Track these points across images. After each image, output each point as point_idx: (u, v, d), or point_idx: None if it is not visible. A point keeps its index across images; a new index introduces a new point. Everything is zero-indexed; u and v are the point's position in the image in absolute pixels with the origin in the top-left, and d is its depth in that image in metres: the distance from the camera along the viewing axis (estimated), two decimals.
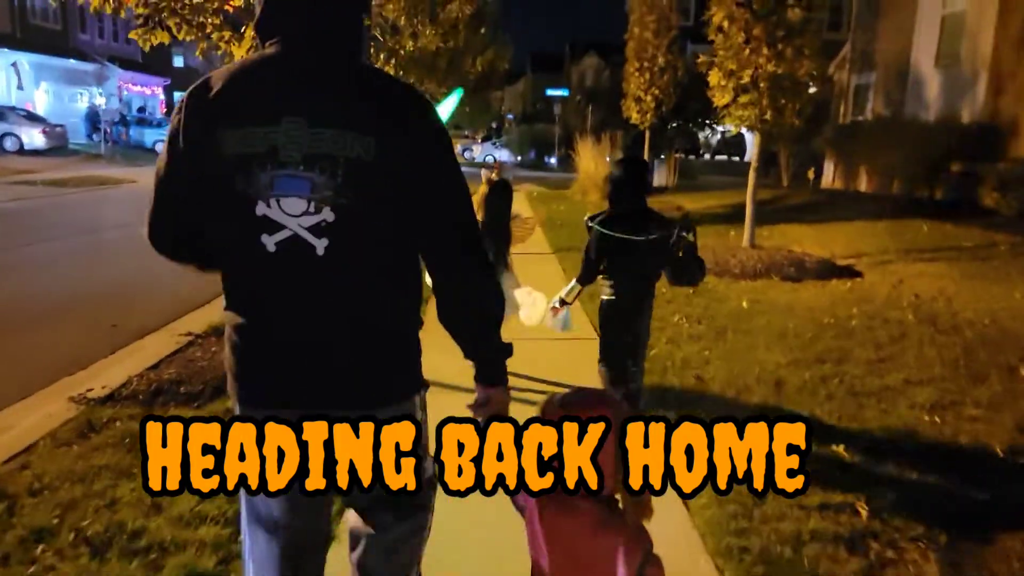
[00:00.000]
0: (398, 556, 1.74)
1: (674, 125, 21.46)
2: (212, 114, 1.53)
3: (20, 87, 29.97)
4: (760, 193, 17.63)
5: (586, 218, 3.90)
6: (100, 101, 35.90)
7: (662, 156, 25.49)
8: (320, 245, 1.49)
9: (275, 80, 1.54)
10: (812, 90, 8.75)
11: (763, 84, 8.29)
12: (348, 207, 1.49)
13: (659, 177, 22.18)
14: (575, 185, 19.62)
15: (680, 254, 3.78)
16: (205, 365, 4.71)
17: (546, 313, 4.22)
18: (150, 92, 42.96)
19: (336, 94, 1.53)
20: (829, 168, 19.76)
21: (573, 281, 3.99)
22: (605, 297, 3.86)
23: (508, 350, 1.70)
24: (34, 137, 24.90)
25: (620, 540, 1.44)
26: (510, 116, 63.96)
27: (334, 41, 1.57)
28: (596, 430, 1.40)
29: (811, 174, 21.25)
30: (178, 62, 48.75)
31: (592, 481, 1.41)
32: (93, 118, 30.98)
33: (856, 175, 17.56)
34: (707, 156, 39.81)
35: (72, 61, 33.53)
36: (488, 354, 1.69)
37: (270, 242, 1.50)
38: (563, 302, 4.10)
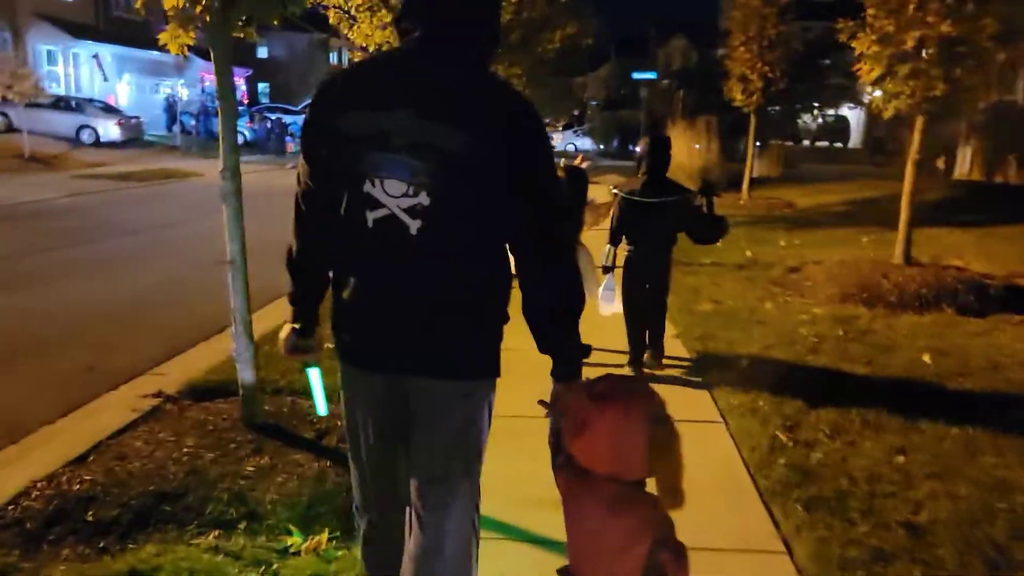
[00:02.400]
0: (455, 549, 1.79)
1: (775, 109, 19.10)
2: (339, 98, 1.70)
3: (105, 79, 29.96)
4: (878, 186, 15.40)
5: (612, 187, 4.58)
6: (182, 92, 36.02)
7: (758, 144, 23.14)
8: (413, 226, 1.62)
9: (396, 73, 1.68)
10: (1000, 56, 6.62)
11: (931, 50, 6.26)
12: (442, 194, 1.61)
13: (760, 166, 19.85)
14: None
15: (699, 213, 4.37)
16: (139, 468, 3.21)
17: (599, 299, 4.48)
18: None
19: (447, 91, 1.64)
20: (963, 156, 17.13)
21: (607, 245, 4.51)
22: (628, 255, 4.45)
23: (586, 350, 1.75)
24: (110, 129, 24.59)
25: (634, 522, 1.45)
26: (593, 103, 62.08)
27: (457, 44, 1.68)
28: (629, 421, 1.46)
29: (941, 163, 18.55)
30: (262, 53, 48.90)
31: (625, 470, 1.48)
32: (171, 109, 30.73)
33: (1003, 165, 14.98)
34: (806, 142, 36.74)
35: (154, 52, 33.34)
36: (566, 350, 1.73)
37: (370, 218, 1.65)
38: (605, 268, 4.51)
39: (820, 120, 36.22)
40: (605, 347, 4.61)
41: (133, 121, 26.27)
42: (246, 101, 42.67)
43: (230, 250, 3.60)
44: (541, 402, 1.73)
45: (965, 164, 16.90)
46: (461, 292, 1.68)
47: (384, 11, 9.78)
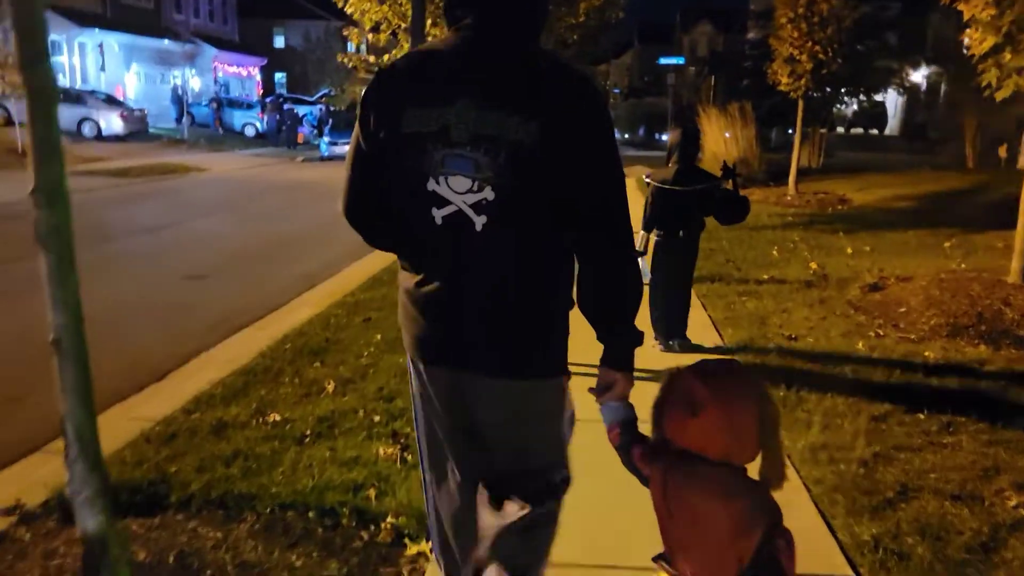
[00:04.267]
0: (532, 538, 1.77)
1: (818, 94, 17.51)
2: (395, 94, 1.64)
3: (102, 68, 28.95)
4: (936, 178, 13.86)
5: (645, 176, 4.88)
6: (194, 82, 35.03)
7: (790, 131, 21.59)
8: (479, 221, 1.59)
9: (452, 64, 1.62)
10: None
11: None
12: (508, 187, 1.56)
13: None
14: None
15: (724, 196, 4.66)
16: None
17: None
18: (246, 73, 41.89)
19: (506, 79, 1.59)
20: None
21: (641, 231, 4.66)
22: (657, 239, 4.71)
23: (640, 338, 1.71)
24: (112, 122, 23.57)
25: (749, 507, 1.40)
26: (616, 91, 60.82)
27: (513, 29, 1.64)
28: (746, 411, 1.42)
29: (1003, 151, 16.95)
30: (279, 43, 47.83)
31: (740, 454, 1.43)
32: (180, 101, 29.70)
33: None
34: (840, 129, 34.92)
35: (164, 41, 32.47)
36: (622, 339, 1.70)
37: (438, 215, 1.62)
38: (639, 253, 4.47)
39: (855, 106, 34.42)
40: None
41: (137, 113, 25.26)
42: (260, 92, 41.75)
43: (54, 324, 2.24)
44: (592, 390, 1.73)
45: None
46: (527, 287, 1.66)
47: None
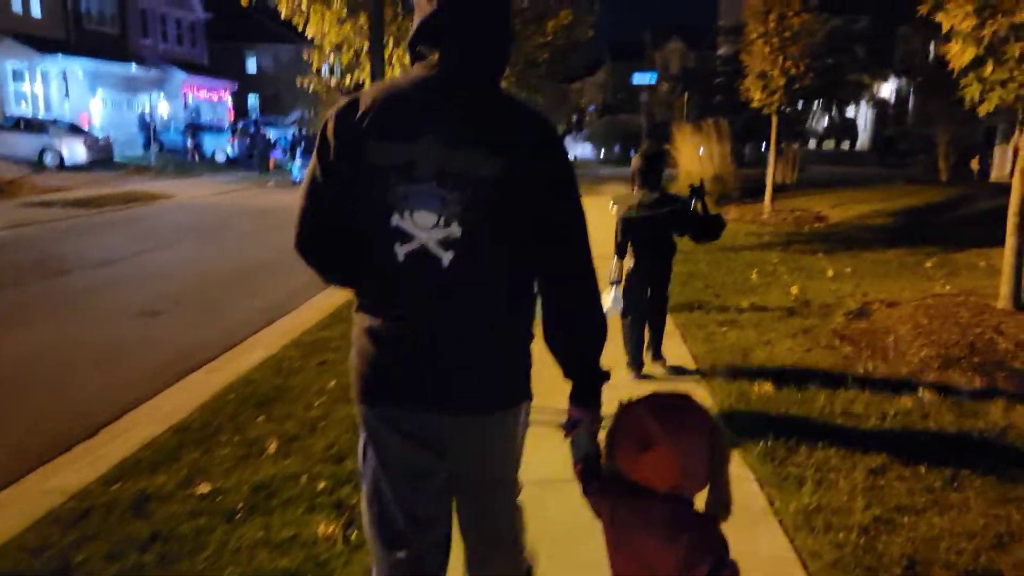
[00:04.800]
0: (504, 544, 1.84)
1: (790, 109, 17.38)
2: (359, 128, 1.60)
3: (67, 96, 28.33)
4: (913, 193, 13.69)
5: (611, 205, 4.81)
6: (162, 108, 34.45)
7: (763, 147, 21.48)
8: (446, 257, 1.58)
9: (419, 99, 1.61)
10: None
11: None
12: (474, 223, 1.56)
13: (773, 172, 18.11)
14: (672, 187, 15.90)
15: (695, 216, 4.64)
16: None
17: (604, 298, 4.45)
18: (217, 97, 41.35)
19: (473, 116, 1.59)
20: (1003, 156, 15.46)
21: (614, 260, 4.67)
22: (631, 266, 4.67)
23: (606, 375, 1.72)
24: (75, 150, 22.98)
25: (696, 541, 1.41)
26: (591, 108, 60.95)
27: (477, 66, 1.63)
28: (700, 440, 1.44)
29: (975, 164, 16.91)
30: (251, 66, 47.41)
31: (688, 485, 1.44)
32: (147, 127, 29.13)
33: None
34: (812, 143, 35.07)
35: (131, 67, 31.98)
36: (588, 376, 1.71)
37: (401, 251, 1.60)
38: (614, 282, 4.64)
39: (826, 120, 34.57)
40: None
41: (101, 141, 24.72)
42: (232, 116, 41.23)
43: None
44: (562, 425, 1.73)
45: (1003, 166, 15.21)
46: (495, 323, 1.65)
47: (339, 4, 8.24)
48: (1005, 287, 5.34)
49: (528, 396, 1.76)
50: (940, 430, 3.75)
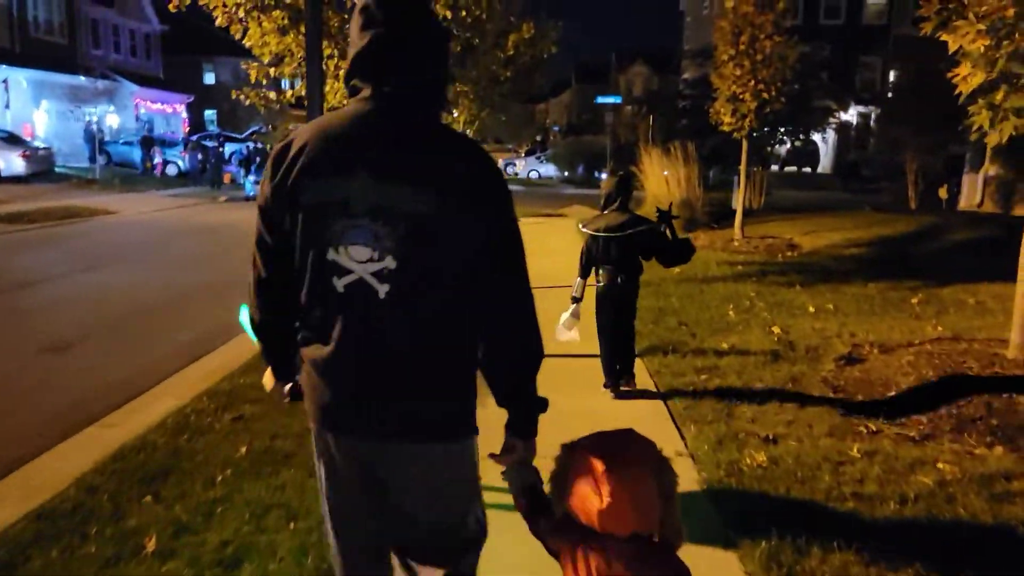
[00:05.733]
0: None
1: (757, 134, 17.00)
2: (296, 165, 1.62)
3: (7, 106, 27.01)
4: (884, 222, 13.30)
5: (580, 224, 4.89)
6: (111, 120, 33.19)
7: (728, 170, 21.14)
8: (382, 290, 1.59)
9: (352, 135, 1.63)
10: None
11: None
12: (408, 256, 1.58)
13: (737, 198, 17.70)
14: (640, 210, 15.34)
15: (663, 240, 4.67)
16: None
17: (561, 326, 4.79)
18: (171, 110, 40.14)
19: (404, 150, 1.60)
20: (971, 185, 15.27)
21: (577, 279, 4.83)
22: (598, 286, 4.78)
23: (543, 404, 1.72)
24: (13, 162, 21.72)
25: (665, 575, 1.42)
26: (555, 128, 60.95)
27: (410, 102, 1.65)
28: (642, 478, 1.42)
29: (944, 192, 16.71)
30: (209, 79, 46.21)
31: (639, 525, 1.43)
32: (94, 139, 27.90)
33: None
34: (774, 167, 35.11)
35: (79, 78, 30.78)
36: (524, 405, 1.71)
37: (339, 284, 1.62)
38: (575, 299, 4.83)
39: (789, 145, 34.66)
40: None
41: (42, 152, 23.46)
42: (186, 129, 40.06)
43: None
44: (492, 455, 1.72)
45: (976, 194, 14.99)
46: (435, 353, 1.64)
47: (279, 11, 7.50)
48: (1017, 335, 4.76)
49: (474, 432, 1.73)
50: (973, 520, 3.11)
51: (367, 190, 1.56)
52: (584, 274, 4.82)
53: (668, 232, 4.71)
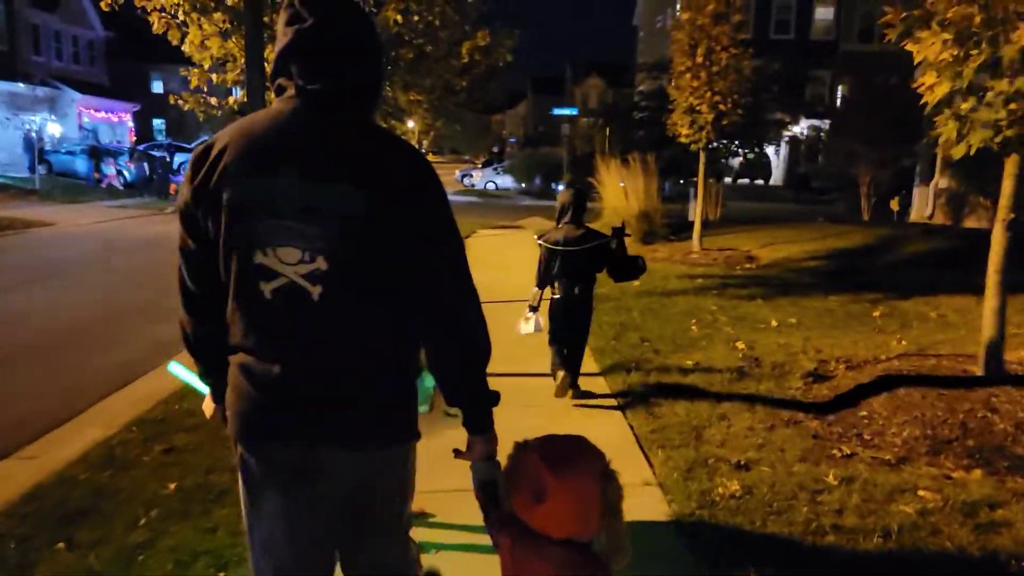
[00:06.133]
0: None
1: (715, 145, 17.03)
2: (218, 166, 1.56)
3: None
4: (840, 234, 13.36)
5: (536, 237, 4.97)
6: (53, 128, 32.04)
7: (682, 181, 21.21)
8: (315, 292, 1.54)
9: (278, 134, 1.57)
10: None
11: None
12: (340, 257, 1.53)
13: (694, 210, 17.70)
14: (596, 222, 15.19)
15: (614, 255, 4.79)
16: None
17: (521, 321, 5.01)
18: (117, 119, 38.98)
19: (332, 149, 1.55)
20: (922, 197, 15.49)
21: (534, 288, 4.95)
22: (554, 296, 4.88)
23: (495, 398, 1.70)
24: None
25: None
26: (512, 140, 61.04)
27: (341, 98, 1.58)
28: (586, 484, 1.43)
29: (895, 204, 16.95)
30: (157, 87, 44.98)
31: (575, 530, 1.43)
32: (32, 147, 26.83)
33: (974, 207, 13.26)
34: (727, 180, 35.50)
35: (19, 85, 29.70)
36: (475, 400, 1.69)
37: (267, 289, 1.56)
38: (532, 308, 4.99)
39: (742, 157, 35.06)
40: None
41: None
42: (132, 138, 38.92)
43: None
44: (456, 451, 1.72)
45: (927, 206, 15.21)
46: (372, 356, 1.60)
47: (220, 14, 7.12)
48: (985, 353, 4.64)
49: (416, 435, 1.72)
50: (961, 553, 2.92)
51: (293, 190, 1.51)
52: (541, 285, 4.92)
53: (619, 248, 4.81)
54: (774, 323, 7.02)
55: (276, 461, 1.63)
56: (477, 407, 1.68)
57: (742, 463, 3.79)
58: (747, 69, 11.86)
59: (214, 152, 1.58)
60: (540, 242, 4.91)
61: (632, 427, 4.40)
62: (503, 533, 1.54)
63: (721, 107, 11.39)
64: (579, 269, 4.77)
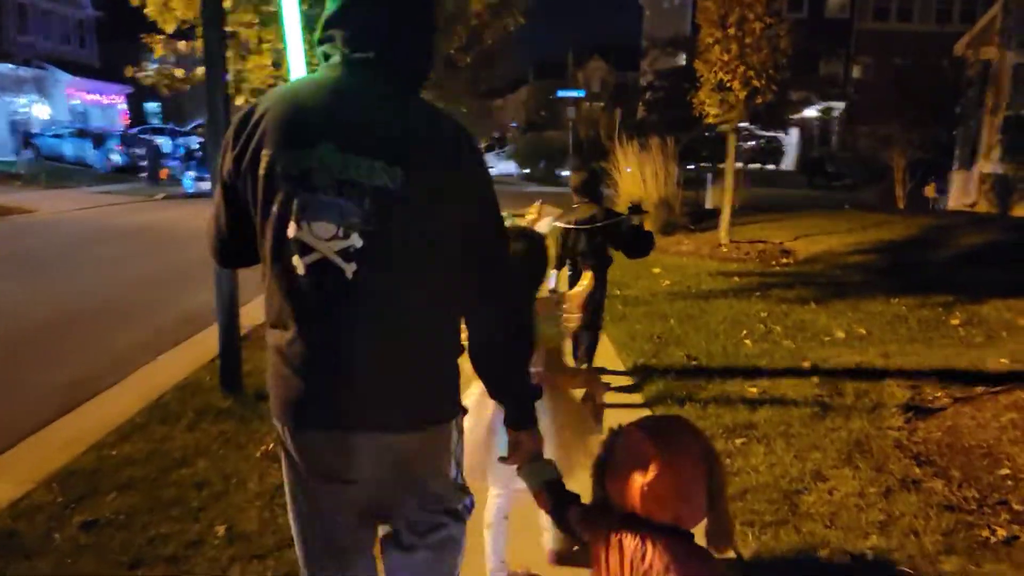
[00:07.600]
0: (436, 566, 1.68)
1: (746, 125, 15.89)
2: (257, 135, 1.52)
3: None
4: (881, 222, 12.25)
5: (553, 220, 4.56)
6: (41, 111, 31.05)
7: (711, 171, 20.10)
8: (349, 269, 1.48)
9: (318, 104, 1.52)
10: None
11: None
12: (376, 234, 1.47)
13: (715, 196, 16.57)
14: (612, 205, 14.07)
15: (635, 231, 4.80)
16: None
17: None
18: (107, 101, 37.87)
19: (372, 122, 1.51)
20: (961, 182, 14.41)
21: (551, 271, 4.68)
22: (568, 274, 4.78)
23: (536, 392, 1.67)
24: None
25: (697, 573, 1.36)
26: (514, 125, 60.07)
27: (386, 70, 1.53)
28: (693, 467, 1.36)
29: (930, 191, 15.85)
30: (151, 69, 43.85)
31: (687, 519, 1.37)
32: (19, 131, 25.88)
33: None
34: (739, 164, 34.42)
35: (5, 66, 28.71)
36: (515, 395, 1.66)
37: (301, 264, 1.50)
38: (552, 291, 4.62)
39: (753, 141, 33.85)
40: None
41: None
42: (126, 121, 37.86)
43: None
44: (501, 459, 1.67)
45: (966, 193, 14.10)
46: (410, 336, 1.53)
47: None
48: None
49: (457, 411, 1.64)
50: None
51: (332, 163, 1.45)
52: (559, 266, 4.87)
53: (637, 224, 4.85)
54: (840, 334, 5.96)
55: (315, 443, 1.57)
56: (522, 401, 1.64)
57: (864, 556, 2.75)
58: (784, 41, 10.72)
59: (254, 118, 1.52)
60: (555, 223, 4.76)
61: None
62: (596, 528, 1.47)
63: (755, 83, 10.29)
64: (595, 248, 4.74)
